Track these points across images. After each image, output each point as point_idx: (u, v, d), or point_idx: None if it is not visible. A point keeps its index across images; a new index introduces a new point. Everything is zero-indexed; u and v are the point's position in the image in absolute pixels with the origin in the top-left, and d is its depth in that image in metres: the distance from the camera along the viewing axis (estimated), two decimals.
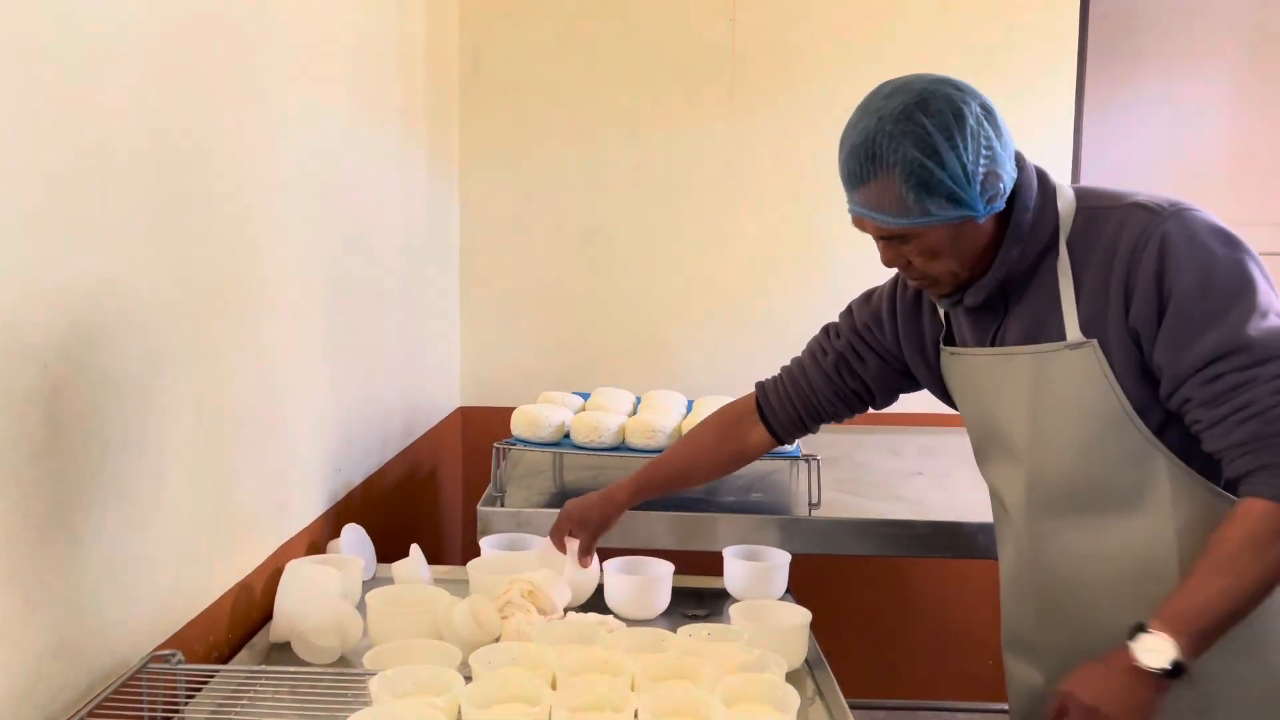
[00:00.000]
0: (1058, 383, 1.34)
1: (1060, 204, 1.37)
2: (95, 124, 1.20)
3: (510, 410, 2.24)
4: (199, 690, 1.37)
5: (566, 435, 2.21)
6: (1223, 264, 1.26)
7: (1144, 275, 1.28)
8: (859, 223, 1.37)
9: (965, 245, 1.35)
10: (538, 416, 2.19)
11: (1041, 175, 1.39)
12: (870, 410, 1.68)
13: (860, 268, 1.72)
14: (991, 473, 1.50)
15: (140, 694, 1.25)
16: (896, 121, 1.28)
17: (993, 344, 1.43)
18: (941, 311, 1.51)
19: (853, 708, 1.43)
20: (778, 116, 3.11)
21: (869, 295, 1.63)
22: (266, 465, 1.72)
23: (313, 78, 1.89)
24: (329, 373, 2.01)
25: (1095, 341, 1.31)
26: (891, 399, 1.65)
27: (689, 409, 2.42)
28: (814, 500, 2.12)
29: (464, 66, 3.13)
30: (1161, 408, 1.30)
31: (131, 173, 1.28)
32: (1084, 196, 1.38)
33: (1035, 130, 3.02)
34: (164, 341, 1.37)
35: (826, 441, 2.56)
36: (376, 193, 2.34)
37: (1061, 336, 1.34)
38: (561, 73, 3.13)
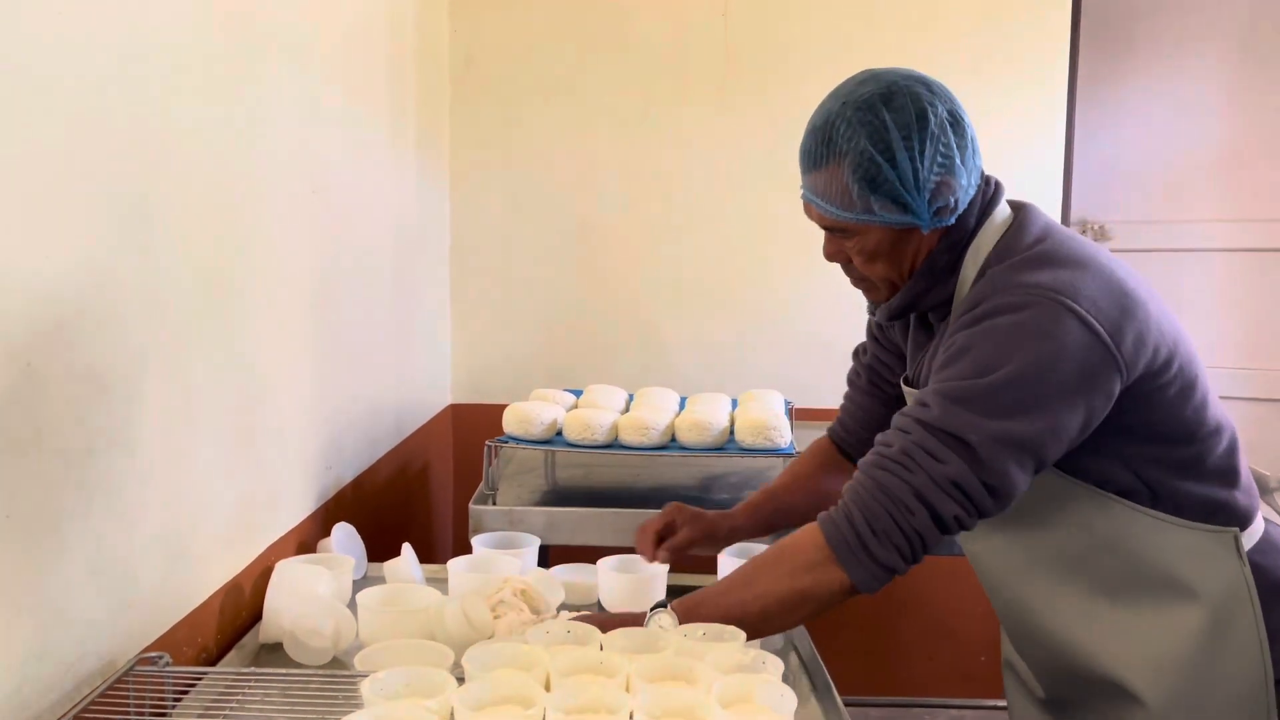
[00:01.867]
0: None
1: (976, 249, 1.31)
2: (78, 116, 1.18)
3: (502, 407, 2.22)
4: (187, 693, 1.35)
5: (559, 433, 2.19)
6: (996, 356, 1.19)
7: (952, 334, 1.26)
8: (806, 209, 1.35)
9: (906, 254, 1.32)
10: (530, 414, 2.17)
11: (990, 203, 1.33)
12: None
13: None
14: None
15: (127, 697, 1.24)
16: (858, 110, 1.25)
17: (915, 375, 1.43)
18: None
19: (848, 705, 1.42)
20: (770, 111, 3.09)
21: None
22: (255, 463, 1.70)
23: (301, 72, 1.87)
24: (318, 369, 1.99)
25: None
26: None
27: (682, 406, 2.41)
28: None
29: (455, 61, 3.11)
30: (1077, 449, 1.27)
31: (116, 167, 1.26)
32: (998, 247, 1.30)
33: (1027, 127, 3.01)
34: (150, 339, 1.35)
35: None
36: (366, 188, 2.32)
37: None
38: (553, 67, 3.11)
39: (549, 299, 3.17)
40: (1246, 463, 1.35)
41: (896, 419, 1.27)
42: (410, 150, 2.69)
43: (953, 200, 1.28)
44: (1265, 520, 1.35)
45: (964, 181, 1.28)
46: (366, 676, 1.26)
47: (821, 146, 1.28)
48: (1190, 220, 3.41)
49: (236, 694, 1.35)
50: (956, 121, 1.27)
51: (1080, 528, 1.30)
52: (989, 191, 1.34)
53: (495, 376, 3.16)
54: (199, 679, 1.38)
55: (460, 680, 1.28)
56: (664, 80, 3.10)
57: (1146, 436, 1.27)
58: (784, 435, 2.15)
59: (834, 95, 1.30)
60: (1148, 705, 1.31)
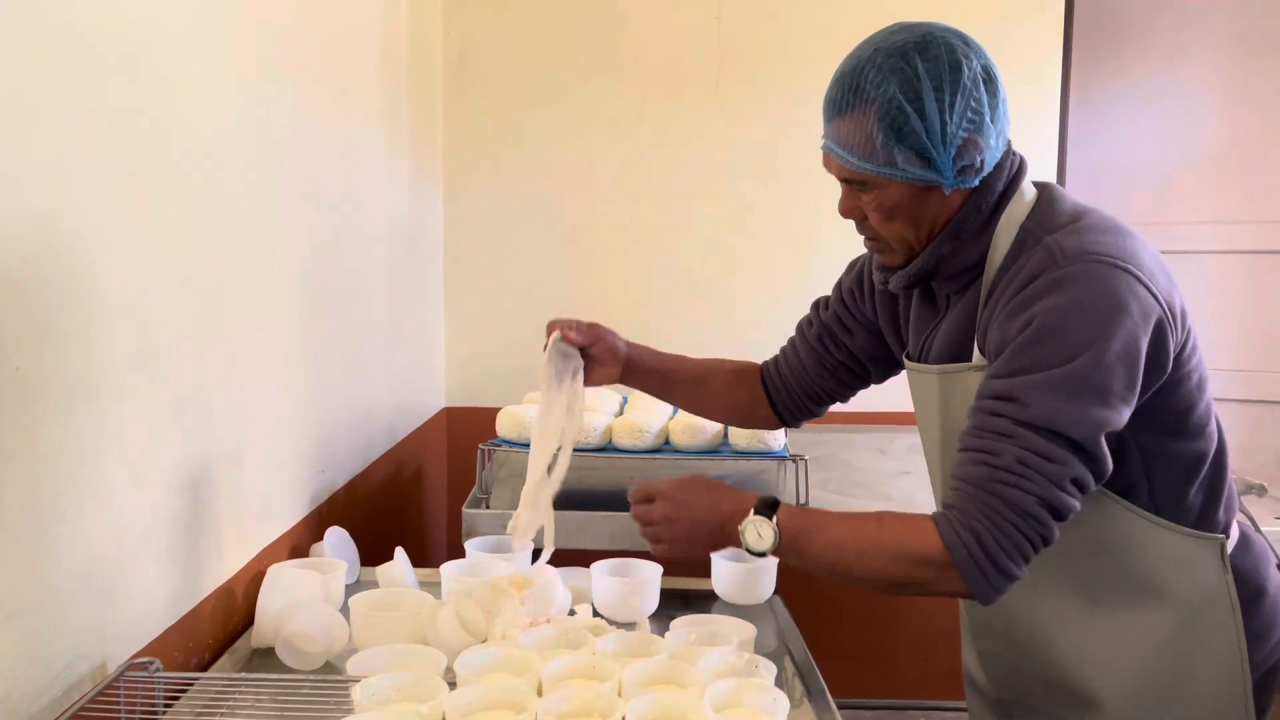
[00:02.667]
0: (962, 402, 1.29)
1: (1009, 216, 1.28)
2: (72, 121, 1.18)
3: (496, 411, 2.22)
4: (178, 698, 1.34)
5: None
6: (1079, 337, 1.16)
7: (1016, 311, 1.22)
8: (825, 161, 1.30)
9: (925, 215, 1.27)
10: (523, 417, 2.17)
11: (1017, 176, 1.30)
12: (872, 385, 1.62)
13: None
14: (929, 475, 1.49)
15: (118, 703, 1.23)
16: (889, 56, 1.22)
17: (923, 349, 1.40)
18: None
19: (841, 708, 1.42)
20: (764, 112, 3.09)
21: (853, 263, 1.57)
22: (247, 467, 1.69)
23: (294, 75, 1.86)
24: (311, 373, 1.98)
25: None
26: (890, 371, 1.58)
27: (675, 409, 2.40)
28: (802, 500, 2.11)
29: (448, 63, 3.10)
30: None
31: (105, 169, 1.25)
32: (1035, 215, 1.28)
33: (1020, 127, 2.96)
34: (141, 343, 1.34)
35: (814, 441, 2.56)
36: (360, 190, 2.31)
37: (971, 356, 1.30)
38: (546, 69, 3.11)
39: (543, 301, 3.16)
40: (1231, 469, 1.35)
41: (987, 420, 1.19)
42: (403, 153, 2.69)
43: (979, 160, 1.24)
44: (1240, 525, 1.35)
45: (992, 142, 1.24)
46: (358, 681, 1.25)
47: (848, 93, 1.23)
48: (1183, 222, 3.41)
49: (228, 699, 1.34)
50: (990, 79, 1.24)
51: (1071, 526, 1.29)
52: (1015, 163, 1.31)
53: (489, 379, 3.15)
54: (190, 684, 1.38)
55: (452, 685, 1.28)
56: (658, 82, 3.10)
57: (1166, 429, 1.26)
58: (777, 438, 2.15)
59: (865, 43, 1.26)
60: (1107, 710, 1.30)
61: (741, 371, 1.68)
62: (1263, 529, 1.41)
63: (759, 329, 3.12)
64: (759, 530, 1.25)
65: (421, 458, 2.93)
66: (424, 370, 3.00)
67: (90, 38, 1.22)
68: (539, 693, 1.29)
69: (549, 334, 1.57)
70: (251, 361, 1.70)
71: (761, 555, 1.27)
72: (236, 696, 1.35)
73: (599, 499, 2.26)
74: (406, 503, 2.80)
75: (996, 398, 1.19)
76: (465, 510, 2.10)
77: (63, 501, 1.19)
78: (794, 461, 2.12)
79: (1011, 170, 1.30)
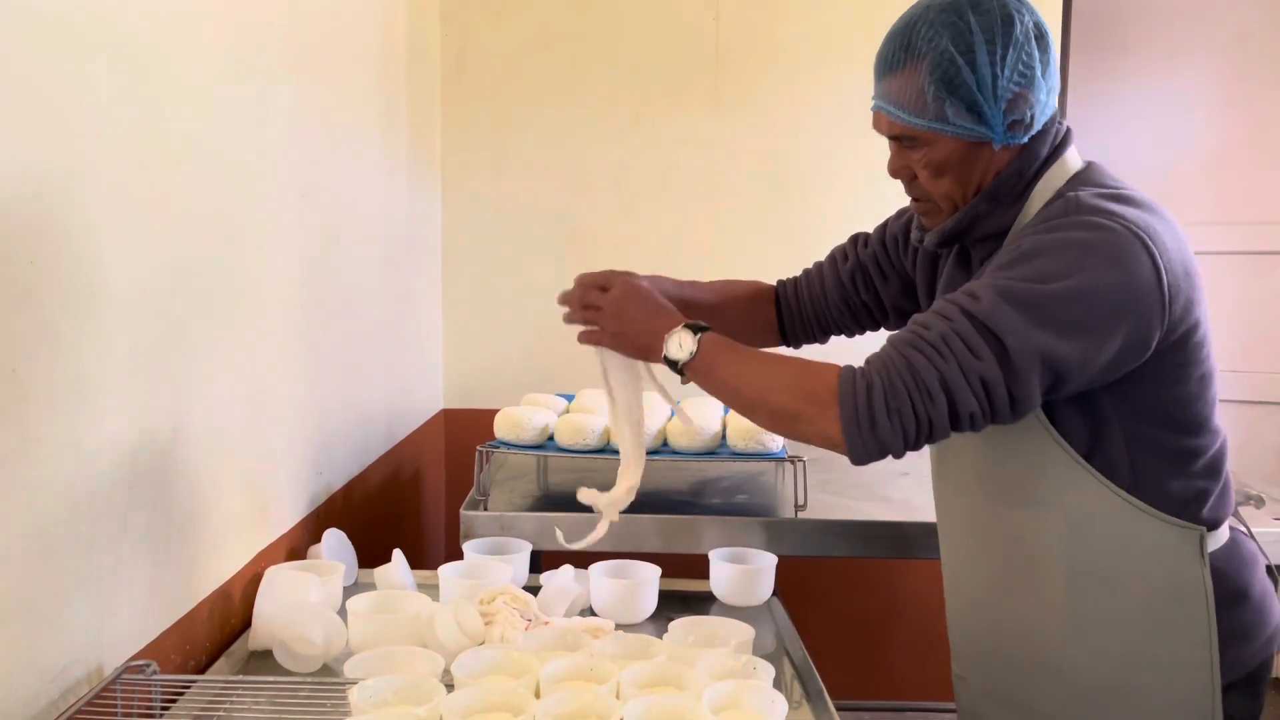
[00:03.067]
0: None
1: (1047, 183, 1.29)
2: (72, 131, 1.18)
3: (494, 412, 2.21)
4: (175, 701, 1.34)
5: (551, 438, 2.19)
6: (1058, 267, 1.17)
7: (1012, 241, 1.26)
8: (875, 120, 1.32)
9: (974, 171, 1.28)
10: (521, 419, 2.16)
11: (1061, 144, 1.31)
12: (882, 330, 1.61)
13: None
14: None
15: (115, 706, 1.23)
16: (942, 11, 1.24)
17: None
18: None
19: (840, 710, 1.41)
20: (762, 113, 3.09)
21: (903, 209, 1.56)
22: (245, 469, 1.69)
23: (292, 76, 1.86)
24: (309, 374, 1.98)
25: None
26: (904, 323, 1.60)
27: (673, 411, 2.40)
28: (800, 502, 2.11)
29: (446, 65, 3.10)
30: (1061, 400, 1.25)
31: (103, 172, 1.25)
32: (1071, 183, 1.29)
33: None
34: (138, 343, 1.34)
35: None
36: (357, 192, 2.31)
37: None
38: (544, 71, 3.11)
39: (541, 303, 3.14)
40: (1230, 469, 1.35)
41: (940, 304, 1.23)
42: (401, 155, 2.69)
43: (1029, 115, 1.25)
44: (1232, 529, 1.35)
45: (1042, 98, 1.26)
46: (356, 684, 1.25)
47: (900, 50, 1.25)
48: (1181, 223, 3.42)
49: (225, 702, 1.34)
50: (1041, 35, 1.26)
51: (1051, 505, 1.29)
52: (1059, 132, 1.32)
53: (487, 381, 3.15)
54: (187, 687, 1.38)
55: (450, 688, 1.27)
56: (655, 84, 3.10)
57: (1156, 419, 1.26)
58: (775, 439, 2.15)
59: (918, 3, 1.28)
60: (1081, 691, 1.31)
61: (753, 295, 1.72)
62: (1256, 532, 1.41)
63: None
64: (681, 340, 1.34)
65: (419, 459, 2.92)
66: (422, 371, 3.00)
67: (88, 39, 1.21)
68: (537, 695, 1.29)
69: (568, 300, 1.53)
70: (249, 363, 1.69)
71: (675, 367, 1.34)
72: (234, 699, 1.34)
73: None
74: (404, 504, 2.80)
75: (963, 293, 1.22)
76: (463, 512, 2.10)
77: (60, 503, 1.18)
78: (792, 463, 2.12)
79: (1056, 138, 1.31)
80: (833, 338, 1.70)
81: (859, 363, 1.26)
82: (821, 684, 1.48)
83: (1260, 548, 1.39)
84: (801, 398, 1.25)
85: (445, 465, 3.19)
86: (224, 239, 1.59)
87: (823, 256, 1.71)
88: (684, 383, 1.37)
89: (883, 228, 1.60)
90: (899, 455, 1.22)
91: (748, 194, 3.12)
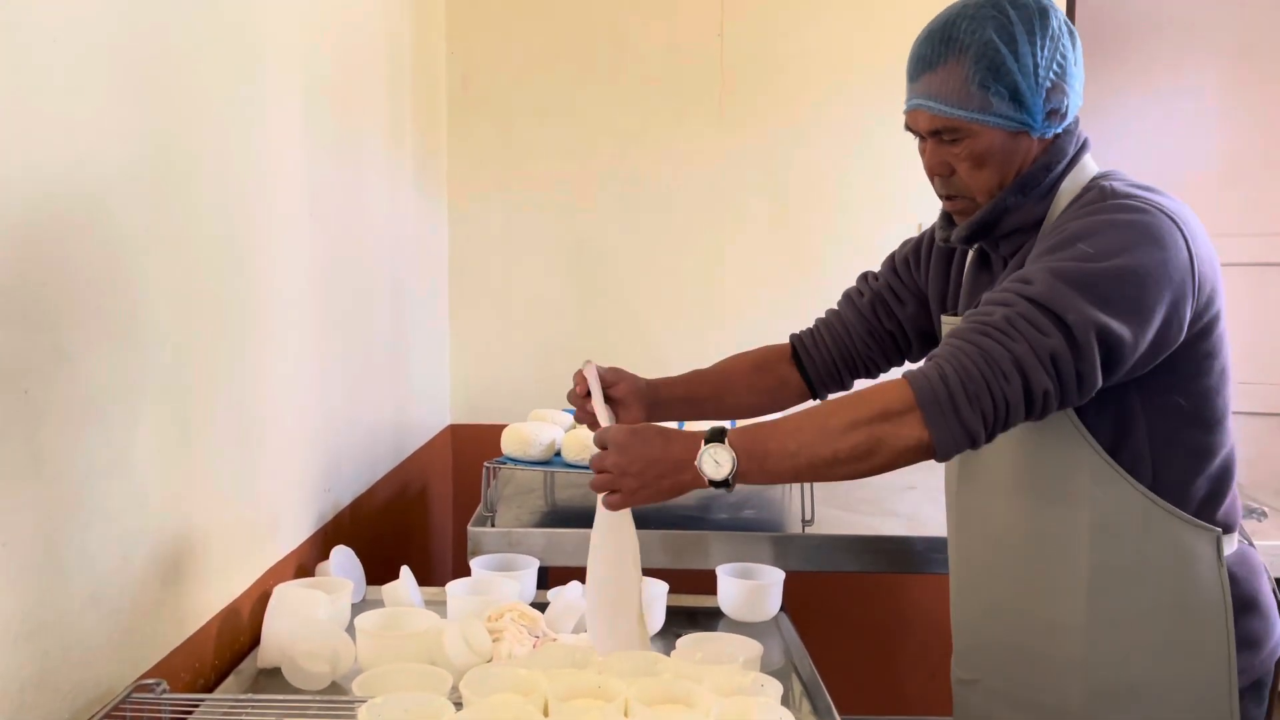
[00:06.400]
0: None
1: (1072, 181, 1.34)
2: (75, 145, 1.19)
3: (501, 428, 2.22)
4: (185, 719, 1.35)
5: (558, 453, 2.19)
6: (1104, 247, 1.20)
7: (1052, 229, 1.28)
8: (912, 119, 1.35)
9: (1013, 161, 1.32)
10: (528, 435, 2.17)
11: (1082, 149, 1.36)
12: (907, 363, 1.60)
13: (852, 281, 1.71)
14: None
15: None
16: (981, 7, 1.29)
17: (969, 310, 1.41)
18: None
19: None
20: (767, 130, 3.11)
21: (906, 241, 1.62)
22: (254, 486, 1.70)
23: (299, 94, 1.88)
24: (317, 391, 1.99)
25: None
26: (928, 349, 1.60)
27: (681, 425, 2.40)
28: (807, 517, 2.11)
29: (452, 81, 3.12)
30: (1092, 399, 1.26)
31: (111, 187, 1.26)
32: (1098, 177, 1.34)
33: None
34: (147, 363, 1.35)
35: None
36: (365, 210, 2.32)
37: None
38: (550, 87, 3.12)
39: (547, 319, 3.17)
40: (1236, 478, 1.36)
41: (993, 294, 1.23)
42: (408, 171, 2.70)
43: (1064, 105, 1.30)
44: (1240, 540, 1.37)
45: (1076, 87, 1.32)
46: (365, 702, 1.25)
47: (940, 46, 1.30)
48: None
49: None
50: (1070, 32, 1.31)
51: (1079, 503, 1.31)
52: (1080, 137, 1.37)
53: (494, 397, 3.16)
54: (196, 705, 1.38)
55: (459, 705, 1.27)
56: (660, 99, 3.12)
57: (1179, 412, 1.29)
58: None
59: (953, 5, 1.33)
60: (1100, 690, 1.32)
61: (760, 361, 1.70)
62: (1260, 545, 1.43)
63: (764, 344, 3.13)
64: (715, 457, 1.23)
65: (427, 475, 2.93)
66: (429, 387, 3.01)
67: (92, 56, 1.23)
68: (545, 712, 1.29)
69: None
70: (258, 381, 1.70)
71: (725, 485, 1.23)
72: (243, 717, 1.35)
73: None
74: (412, 521, 2.80)
75: (1016, 280, 1.23)
76: (471, 529, 2.10)
77: (71, 523, 1.19)
78: None
79: (1078, 142, 1.36)
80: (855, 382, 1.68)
81: None
82: (830, 699, 1.48)
83: (1262, 561, 1.40)
84: (873, 422, 1.20)
85: (452, 481, 3.20)
86: (233, 257, 1.60)
87: (826, 272, 1.73)
88: (730, 490, 1.27)
89: (890, 259, 1.64)
90: (978, 445, 1.21)
91: (753, 209, 3.13)
